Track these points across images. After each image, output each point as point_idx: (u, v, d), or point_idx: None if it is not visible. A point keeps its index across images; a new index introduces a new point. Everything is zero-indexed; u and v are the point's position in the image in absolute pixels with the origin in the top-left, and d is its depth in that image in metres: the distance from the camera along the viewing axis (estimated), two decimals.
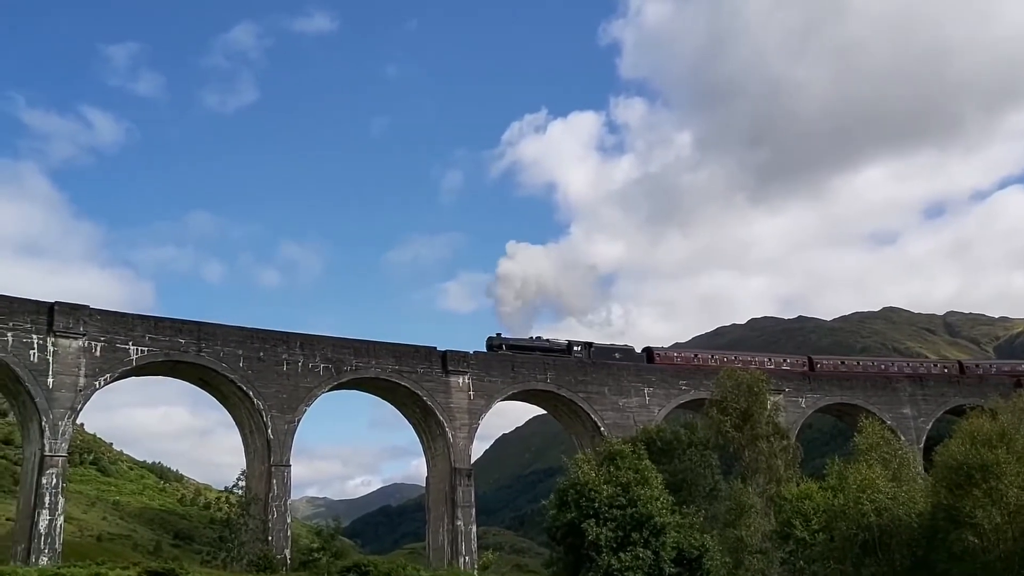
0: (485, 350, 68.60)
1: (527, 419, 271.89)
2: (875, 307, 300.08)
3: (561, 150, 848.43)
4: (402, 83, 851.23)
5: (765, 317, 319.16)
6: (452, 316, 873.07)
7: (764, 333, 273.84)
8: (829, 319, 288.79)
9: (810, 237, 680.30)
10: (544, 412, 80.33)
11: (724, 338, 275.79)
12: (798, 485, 50.55)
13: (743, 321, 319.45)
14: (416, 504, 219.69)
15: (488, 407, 65.49)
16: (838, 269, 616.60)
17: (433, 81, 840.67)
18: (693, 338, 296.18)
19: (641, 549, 38.26)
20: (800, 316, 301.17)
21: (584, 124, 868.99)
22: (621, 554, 37.99)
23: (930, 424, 79.55)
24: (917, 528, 39.53)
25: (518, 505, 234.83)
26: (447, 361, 64.26)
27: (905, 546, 39.55)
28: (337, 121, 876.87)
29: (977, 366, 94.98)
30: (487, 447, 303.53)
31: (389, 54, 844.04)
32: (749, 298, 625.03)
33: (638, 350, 76.70)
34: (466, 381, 64.58)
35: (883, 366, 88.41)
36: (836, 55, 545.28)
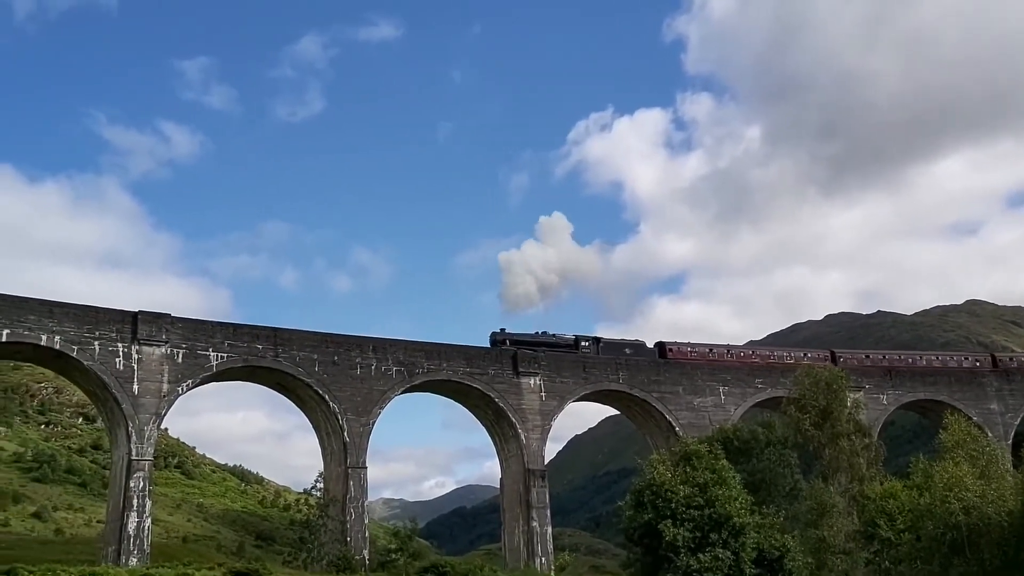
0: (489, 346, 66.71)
1: (600, 420, 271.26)
2: (958, 300, 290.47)
3: (627, 148, 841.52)
4: (467, 87, 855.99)
5: (842, 312, 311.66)
6: (522, 318, 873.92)
7: (842, 329, 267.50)
8: (909, 313, 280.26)
9: (887, 229, 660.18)
10: (617, 412, 79.92)
11: (800, 335, 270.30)
12: (881, 484, 49.34)
13: (820, 317, 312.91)
14: (490, 505, 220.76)
15: (560, 408, 65.33)
16: (918, 262, 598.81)
17: (498, 84, 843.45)
18: (768, 335, 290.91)
19: (720, 550, 37.67)
20: (879, 311, 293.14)
21: (650, 121, 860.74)
22: (700, 555, 37.46)
23: (1018, 420, 76.64)
24: (1007, 527, 38.08)
25: (593, 506, 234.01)
26: (518, 363, 64.32)
27: (995, 545, 38.14)
28: (403, 127, 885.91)
29: None
30: (560, 448, 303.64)
31: (454, 59, 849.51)
32: (825, 293, 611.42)
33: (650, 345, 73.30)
34: (537, 382, 64.53)
35: (911, 359, 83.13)
36: (908, 44, 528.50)
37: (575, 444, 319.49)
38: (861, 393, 68.68)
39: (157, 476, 74.12)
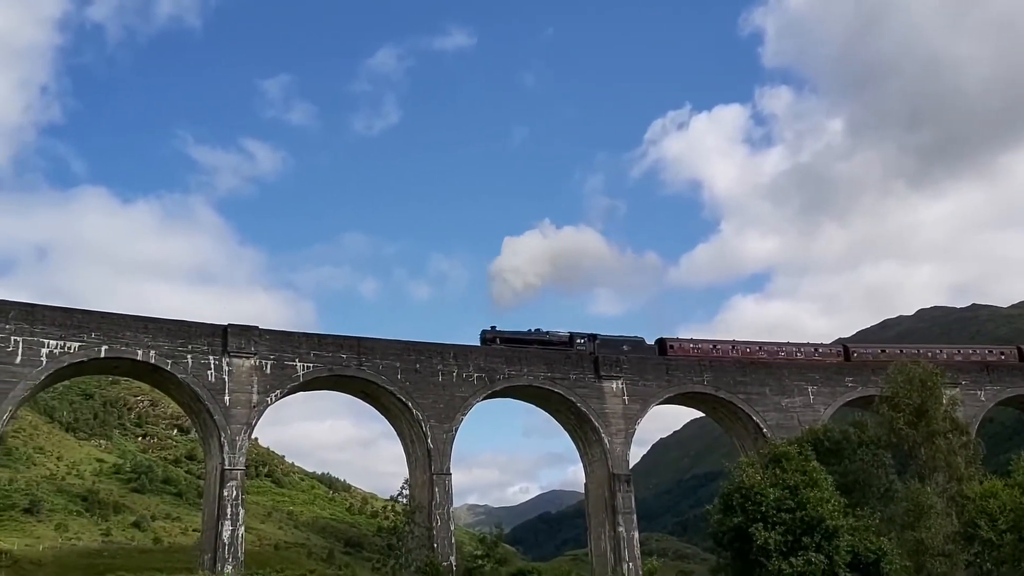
0: (479, 344, 64.41)
1: (684, 423, 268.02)
2: None
3: (705, 145, 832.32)
4: (541, 91, 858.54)
5: (935, 307, 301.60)
6: (602, 320, 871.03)
7: (934, 324, 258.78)
8: (1005, 306, 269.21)
9: (980, 220, 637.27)
10: (702, 415, 78.71)
11: (891, 331, 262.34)
12: (981, 483, 47.39)
13: (911, 312, 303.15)
14: (575, 510, 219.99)
15: (643, 412, 64.65)
16: (1014, 253, 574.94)
17: (572, 86, 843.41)
18: (857, 332, 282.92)
19: (813, 553, 36.71)
20: (973, 304, 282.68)
21: (729, 117, 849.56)
22: (792, 559, 36.56)
23: None
24: None
25: (680, 510, 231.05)
26: (599, 366, 63.93)
27: None
28: (478, 133, 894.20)
29: None
30: (644, 452, 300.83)
31: (527, 63, 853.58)
32: (917, 288, 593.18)
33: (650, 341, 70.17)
34: (620, 386, 64.00)
35: (931, 353, 75.45)
36: (998, 27, 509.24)
37: (660, 448, 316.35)
38: (957, 389, 66.09)
39: (249, 485, 76.02)
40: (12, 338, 48.44)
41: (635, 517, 61.75)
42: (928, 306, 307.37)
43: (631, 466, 64.50)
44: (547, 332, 67.17)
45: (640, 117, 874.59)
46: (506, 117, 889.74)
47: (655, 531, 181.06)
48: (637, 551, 61.17)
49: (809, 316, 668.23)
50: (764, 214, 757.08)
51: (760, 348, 72.46)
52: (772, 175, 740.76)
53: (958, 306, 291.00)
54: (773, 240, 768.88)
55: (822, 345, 77.54)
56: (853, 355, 74.89)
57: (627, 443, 63.19)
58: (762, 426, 65.58)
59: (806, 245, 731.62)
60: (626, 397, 63.90)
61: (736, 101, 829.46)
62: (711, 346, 71.59)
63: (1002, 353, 79.74)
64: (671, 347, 69.38)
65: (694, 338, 71.78)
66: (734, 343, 72.60)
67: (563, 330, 68.19)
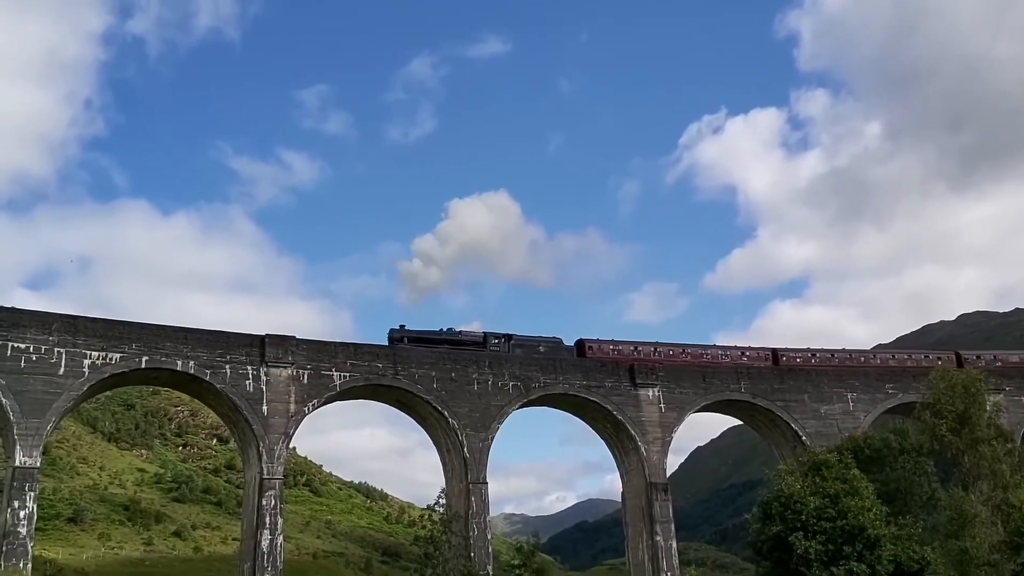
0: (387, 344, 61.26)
1: (722, 431, 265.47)
2: None
3: (740, 150, 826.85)
4: (576, 97, 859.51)
5: (977, 312, 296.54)
6: (640, 327, 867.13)
7: (976, 329, 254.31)
8: None
9: None
10: (739, 423, 77.94)
11: (932, 336, 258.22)
12: None
13: (952, 317, 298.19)
14: (612, 519, 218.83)
15: (680, 420, 64.12)
16: None
17: (607, 91, 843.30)
18: (898, 338, 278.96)
19: (855, 563, 36.27)
20: (1017, 308, 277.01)
21: (765, 121, 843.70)
22: (833, 568, 36.17)
23: None
24: None
25: (718, 519, 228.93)
26: (635, 374, 63.59)
27: None
28: (513, 140, 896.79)
29: None
30: (682, 461, 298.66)
31: (562, 69, 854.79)
32: (959, 292, 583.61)
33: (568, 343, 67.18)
34: (656, 394, 63.58)
35: (863, 358, 74.48)
36: None
37: (697, 456, 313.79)
38: (1001, 396, 64.79)
39: (287, 494, 76.55)
40: (55, 350, 49.28)
41: (673, 526, 61.19)
42: (970, 311, 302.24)
43: (668, 475, 63.96)
44: (460, 331, 65.02)
45: (675, 121, 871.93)
46: (541, 123, 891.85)
47: (693, 540, 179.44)
48: (676, 561, 60.60)
49: (848, 322, 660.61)
50: (801, 219, 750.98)
51: (684, 351, 69.21)
52: (809, 179, 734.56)
53: (1001, 311, 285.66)
54: (811, 245, 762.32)
55: (749, 350, 72.65)
56: (782, 359, 71.17)
57: (664, 451, 62.72)
58: (801, 434, 64.76)
59: (845, 250, 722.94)
60: (662, 405, 63.47)
61: (772, 105, 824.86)
62: (632, 348, 67.85)
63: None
64: (590, 348, 66.54)
65: (615, 339, 68.21)
66: (655, 347, 68.92)
67: (478, 329, 66.48)
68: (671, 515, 61.33)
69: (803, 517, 37.85)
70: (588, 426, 66.63)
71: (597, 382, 62.81)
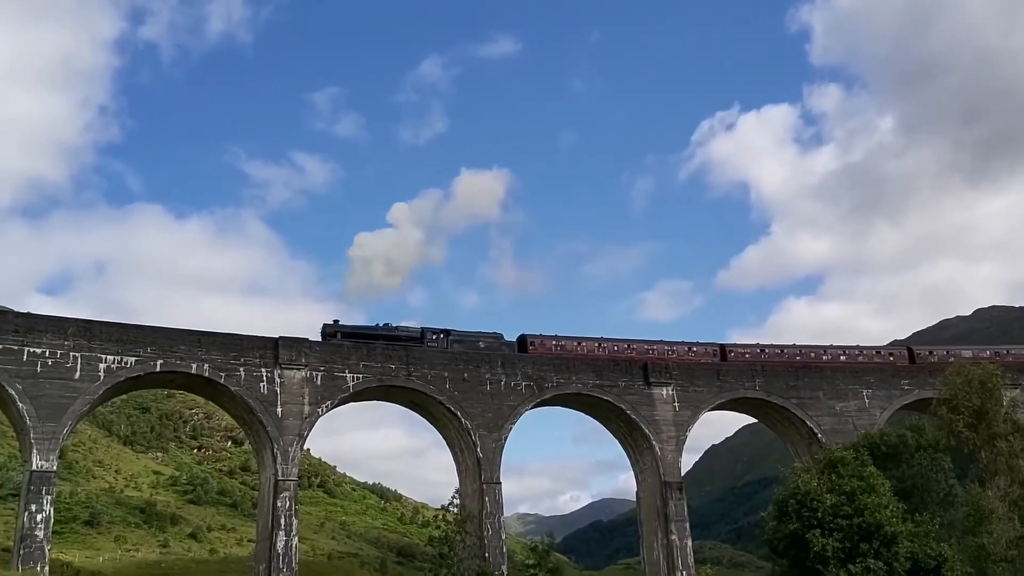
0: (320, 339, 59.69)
1: (736, 429, 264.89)
2: None
3: (753, 146, 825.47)
4: (588, 95, 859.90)
5: (994, 307, 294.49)
6: (654, 326, 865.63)
7: (994, 324, 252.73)
8: None
9: None
10: (754, 421, 77.69)
11: (948, 331, 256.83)
12: None
13: (968, 312, 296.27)
14: (627, 519, 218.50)
15: (695, 418, 63.94)
16: None
17: (618, 90, 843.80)
18: (913, 333, 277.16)
19: (872, 560, 36.12)
20: None
21: (777, 117, 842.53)
22: (850, 566, 36.03)
23: None
24: None
25: (733, 517, 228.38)
26: (648, 373, 63.45)
27: None
28: (525, 139, 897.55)
29: None
30: (696, 459, 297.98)
31: (574, 68, 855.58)
32: (977, 287, 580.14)
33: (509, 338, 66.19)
34: (670, 392, 63.42)
35: (813, 354, 72.38)
36: None
37: (712, 454, 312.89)
38: (1018, 391, 64.32)
39: (301, 495, 76.75)
40: (71, 354, 49.58)
41: (688, 525, 61.07)
42: (987, 305, 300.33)
43: (683, 473, 63.80)
44: (397, 327, 63.74)
45: (687, 118, 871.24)
46: (554, 122, 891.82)
47: (709, 539, 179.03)
48: (691, 559, 60.47)
49: (865, 318, 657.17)
50: (815, 214, 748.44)
51: (628, 347, 67.71)
52: (822, 175, 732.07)
53: (1018, 304, 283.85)
54: (825, 241, 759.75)
55: (697, 345, 70.61)
56: (730, 355, 70.29)
57: (678, 450, 62.56)
58: (816, 431, 64.50)
59: (860, 245, 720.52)
60: (677, 404, 63.30)
61: (785, 100, 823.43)
62: (576, 343, 66.89)
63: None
64: (531, 344, 65.73)
65: (557, 335, 67.52)
66: (599, 342, 67.96)
67: (415, 325, 65.55)
68: (686, 514, 61.20)
69: (819, 514, 37.75)
70: (601, 425, 66.57)
71: (611, 381, 62.71)
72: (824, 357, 72.28)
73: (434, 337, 62.94)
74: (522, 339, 66.19)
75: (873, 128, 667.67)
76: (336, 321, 61.68)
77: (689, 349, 69.60)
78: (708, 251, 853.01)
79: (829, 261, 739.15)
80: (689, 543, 60.66)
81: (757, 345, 72.54)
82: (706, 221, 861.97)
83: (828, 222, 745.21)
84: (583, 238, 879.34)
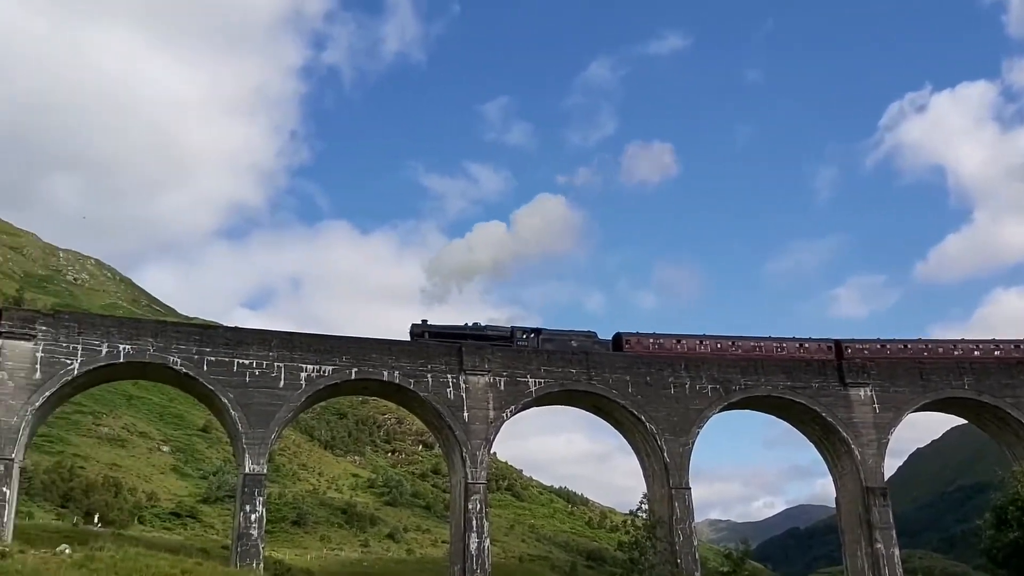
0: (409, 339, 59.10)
1: (944, 431, 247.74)
2: None
3: (948, 127, 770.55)
4: (764, 86, 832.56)
5: None
6: (848, 324, 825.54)
7: None
8: None
9: None
10: (963, 422, 72.21)
11: None
12: None
13: None
14: (825, 526, 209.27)
15: (897, 420, 60.15)
16: None
17: (796, 77, 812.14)
18: None
19: None
20: None
21: (974, 95, 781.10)
22: None
23: None
24: None
25: (944, 525, 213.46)
26: (844, 373, 60.29)
27: None
28: (700, 135, 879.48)
29: None
30: (900, 463, 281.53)
31: (748, 59, 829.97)
32: None
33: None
34: (868, 393, 59.98)
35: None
36: None
37: (917, 458, 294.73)
38: None
39: (490, 498, 78.27)
40: (276, 364, 52.86)
41: (894, 533, 57.50)
42: None
43: (886, 478, 60.17)
44: (486, 326, 62.51)
45: (873, 103, 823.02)
46: (728, 116, 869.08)
47: (918, 548, 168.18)
48: (899, 569, 56.88)
49: None
50: (1023, 198, 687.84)
51: (733, 344, 63.53)
52: None
53: None
54: None
55: (810, 340, 65.39)
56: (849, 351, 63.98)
57: (880, 454, 59.05)
58: None
59: None
60: (876, 405, 59.81)
61: (982, 77, 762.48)
62: (675, 341, 63.13)
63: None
64: (627, 342, 62.42)
65: (655, 332, 63.74)
66: (701, 340, 63.82)
67: (504, 324, 63.71)
68: (891, 521, 57.68)
69: None
70: (795, 429, 63.86)
71: (803, 383, 60.08)
72: (975, 352, 65.78)
73: (524, 336, 61.99)
74: (617, 337, 63.87)
75: None
76: (424, 321, 61.66)
77: (801, 345, 65.34)
78: (902, 242, 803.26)
79: None
80: (896, 552, 57.11)
81: (877, 340, 66.61)
82: (899, 210, 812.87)
83: None
84: (764, 234, 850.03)
